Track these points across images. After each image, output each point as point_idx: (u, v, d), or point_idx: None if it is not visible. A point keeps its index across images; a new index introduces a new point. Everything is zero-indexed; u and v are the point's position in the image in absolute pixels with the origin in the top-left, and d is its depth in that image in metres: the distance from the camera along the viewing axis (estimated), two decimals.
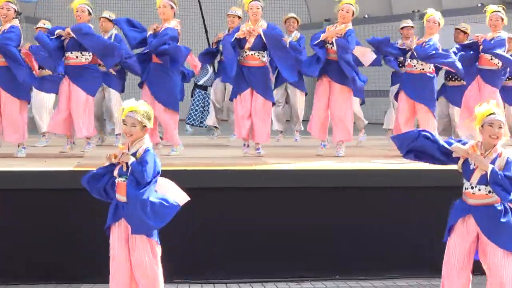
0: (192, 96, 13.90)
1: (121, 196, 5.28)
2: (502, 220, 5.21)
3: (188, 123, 13.75)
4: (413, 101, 8.89)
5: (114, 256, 5.34)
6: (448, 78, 10.19)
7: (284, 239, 7.25)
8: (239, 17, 10.38)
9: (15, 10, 8.43)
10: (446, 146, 5.34)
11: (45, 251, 6.95)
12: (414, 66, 8.82)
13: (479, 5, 16.17)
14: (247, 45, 8.54)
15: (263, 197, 7.25)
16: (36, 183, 7.00)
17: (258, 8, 8.57)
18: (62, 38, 8.55)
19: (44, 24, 10.21)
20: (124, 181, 5.25)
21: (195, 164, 7.71)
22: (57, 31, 8.56)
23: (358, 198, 7.35)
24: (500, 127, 5.20)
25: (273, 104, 8.93)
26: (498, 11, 9.19)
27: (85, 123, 8.64)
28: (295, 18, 10.91)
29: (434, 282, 6.99)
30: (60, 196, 6.91)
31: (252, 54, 8.57)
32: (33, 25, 14.69)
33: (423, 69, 8.80)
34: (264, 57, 8.65)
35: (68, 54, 8.58)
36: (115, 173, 5.29)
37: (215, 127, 11.47)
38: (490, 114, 5.22)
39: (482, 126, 5.23)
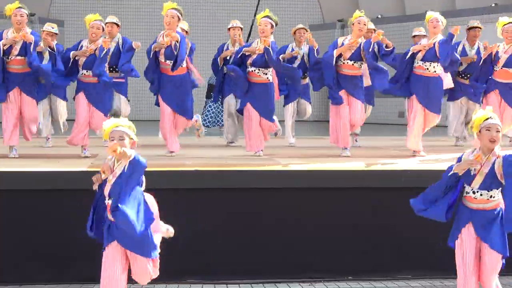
0: (207, 98, 13.87)
1: (111, 215, 5.08)
2: (498, 224, 5.30)
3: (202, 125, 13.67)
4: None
5: (108, 276, 5.13)
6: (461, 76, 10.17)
7: (297, 239, 7.25)
8: (241, 28, 10.45)
9: (27, 15, 8.53)
10: (450, 179, 5.38)
11: (58, 250, 6.98)
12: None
13: (493, 5, 16.14)
14: (249, 61, 8.76)
15: (274, 198, 7.25)
16: (50, 183, 7.03)
17: (266, 25, 8.67)
18: (77, 58, 8.61)
19: (52, 28, 10.11)
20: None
21: (207, 165, 7.72)
22: (73, 53, 8.61)
23: (372, 198, 7.34)
24: (498, 131, 5.26)
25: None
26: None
27: None
28: (304, 29, 10.75)
29: (447, 282, 6.99)
30: (75, 195, 6.93)
31: (252, 71, 8.78)
32: None
33: None
34: (266, 74, 8.77)
35: (84, 72, 8.59)
36: (106, 193, 5.10)
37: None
38: (487, 119, 5.28)
39: (479, 131, 5.27)
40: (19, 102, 8.54)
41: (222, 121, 13.00)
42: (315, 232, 7.26)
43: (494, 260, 5.32)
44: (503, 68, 9.38)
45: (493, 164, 5.26)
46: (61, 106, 10.29)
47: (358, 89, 8.86)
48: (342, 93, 8.79)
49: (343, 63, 8.80)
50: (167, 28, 8.61)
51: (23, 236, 6.98)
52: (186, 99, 8.76)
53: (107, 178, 5.10)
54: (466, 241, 5.36)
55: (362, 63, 8.88)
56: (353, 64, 8.82)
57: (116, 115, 10.20)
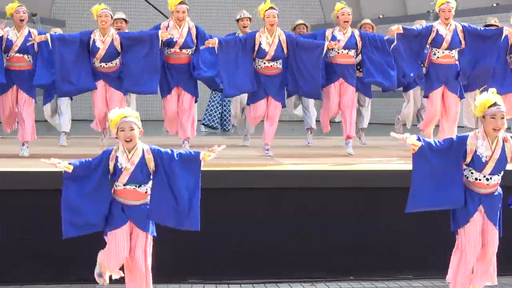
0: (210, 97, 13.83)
1: (128, 200, 5.37)
2: (500, 207, 5.46)
3: (203, 124, 13.62)
4: None
5: (118, 252, 5.41)
6: None
7: (298, 239, 7.25)
8: (250, 19, 10.42)
9: (27, 13, 8.67)
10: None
11: (58, 250, 6.97)
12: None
13: (494, 5, 16.11)
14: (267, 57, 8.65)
15: (275, 198, 7.25)
16: (50, 183, 7.01)
17: (274, 17, 8.63)
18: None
19: (55, 32, 10.14)
20: (134, 188, 5.34)
21: (208, 165, 7.69)
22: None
23: (372, 198, 7.34)
24: (502, 118, 5.25)
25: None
26: None
27: None
28: (304, 24, 10.74)
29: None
30: None
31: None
32: (49, 26, 14.79)
33: None
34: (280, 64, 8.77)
35: (103, 64, 8.60)
36: (122, 180, 5.34)
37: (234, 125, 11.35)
38: (491, 105, 5.25)
39: (483, 116, 5.26)
40: (15, 99, 8.60)
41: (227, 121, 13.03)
42: (316, 232, 7.26)
43: (496, 239, 5.48)
44: None
45: (503, 148, 5.28)
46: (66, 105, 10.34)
47: (352, 76, 9.04)
48: (338, 81, 8.95)
49: (338, 52, 8.91)
50: (178, 23, 8.70)
51: (23, 236, 6.98)
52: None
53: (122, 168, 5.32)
54: (476, 225, 5.41)
55: (356, 51, 9.02)
56: (347, 53, 8.97)
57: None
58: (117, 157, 5.37)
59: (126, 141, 5.31)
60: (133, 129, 5.28)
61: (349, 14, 8.95)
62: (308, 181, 7.33)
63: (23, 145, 8.72)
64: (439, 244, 7.09)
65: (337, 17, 9.00)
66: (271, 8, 8.64)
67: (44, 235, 6.97)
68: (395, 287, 7.12)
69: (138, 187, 5.39)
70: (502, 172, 5.44)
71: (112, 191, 5.45)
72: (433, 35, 8.45)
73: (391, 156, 9.00)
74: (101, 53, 8.53)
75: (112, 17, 8.80)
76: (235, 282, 7.12)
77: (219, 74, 8.71)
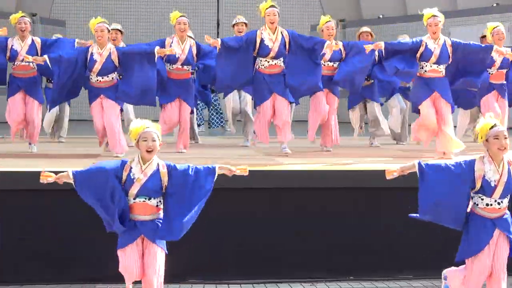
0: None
1: (140, 216, 5.35)
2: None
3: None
4: None
5: (130, 268, 5.36)
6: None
7: (298, 239, 7.24)
8: (246, 24, 10.47)
9: (30, 23, 9.10)
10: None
11: (58, 250, 6.98)
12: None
13: (494, 5, 16.11)
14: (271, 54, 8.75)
15: (275, 198, 7.25)
16: (51, 183, 7.00)
17: (275, 15, 8.69)
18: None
19: (56, 37, 10.25)
20: (144, 200, 5.33)
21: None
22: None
23: (372, 198, 7.34)
24: (506, 137, 5.27)
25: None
26: None
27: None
28: (369, 33, 10.53)
29: None
30: (76, 195, 6.89)
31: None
32: (49, 26, 14.81)
33: None
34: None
35: (99, 78, 8.57)
36: (133, 192, 5.32)
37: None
38: (492, 127, 5.28)
39: (487, 140, 5.26)
40: (23, 105, 8.93)
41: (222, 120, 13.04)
42: (316, 232, 7.25)
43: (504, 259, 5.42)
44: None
45: (509, 171, 5.29)
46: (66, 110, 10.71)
47: (335, 86, 9.39)
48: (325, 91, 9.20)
49: (324, 65, 9.14)
50: (180, 34, 8.93)
51: (23, 236, 6.97)
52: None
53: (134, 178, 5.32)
54: (487, 256, 5.37)
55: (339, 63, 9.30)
56: (333, 65, 9.29)
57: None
58: (131, 167, 5.35)
59: (147, 151, 5.31)
60: (155, 140, 5.30)
61: (333, 29, 9.18)
62: (308, 181, 7.33)
63: (30, 143, 9.12)
64: (439, 244, 7.10)
65: (322, 30, 9.24)
66: (272, 6, 8.72)
67: (44, 235, 6.97)
68: (395, 287, 7.12)
69: (148, 199, 5.37)
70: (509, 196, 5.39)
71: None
72: (422, 49, 8.44)
73: (391, 156, 9.00)
74: (97, 66, 8.51)
75: (109, 30, 8.80)
76: (235, 282, 7.12)
77: (217, 71, 8.85)
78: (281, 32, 8.71)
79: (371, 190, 7.32)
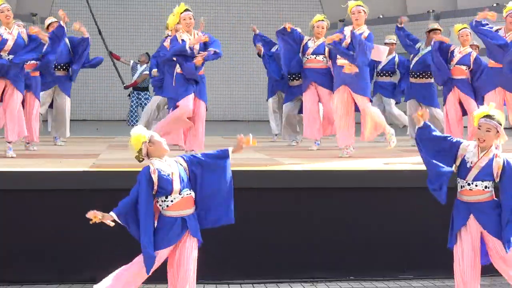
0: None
1: (185, 210, 5.30)
2: (498, 215, 5.35)
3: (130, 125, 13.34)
4: None
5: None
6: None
7: (298, 239, 7.24)
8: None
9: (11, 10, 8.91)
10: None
11: (58, 250, 6.98)
12: None
13: (494, 4, 16.11)
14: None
15: (275, 198, 7.25)
16: (51, 183, 7.03)
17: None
18: None
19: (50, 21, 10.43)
20: (190, 194, 5.29)
21: None
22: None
23: (372, 198, 7.34)
24: (488, 130, 5.28)
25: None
26: None
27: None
28: (439, 29, 10.81)
29: (449, 282, 6.97)
30: (76, 195, 6.92)
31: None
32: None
33: None
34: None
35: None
36: (177, 187, 5.22)
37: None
38: (483, 116, 5.34)
39: (478, 128, 5.32)
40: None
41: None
42: (317, 232, 7.26)
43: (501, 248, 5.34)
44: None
45: (491, 161, 5.30)
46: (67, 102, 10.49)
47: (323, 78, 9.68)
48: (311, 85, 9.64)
49: (307, 58, 9.67)
50: (186, 29, 8.48)
51: (23, 236, 6.97)
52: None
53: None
54: (465, 245, 5.38)
55: (324, 57, 9.63)
56: (315, 58, 9.69)
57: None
58: (157, 169, 5.22)
59: (161, 153, 5.27)
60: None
61: (323, 28, 9.72)
62: (308, 181, 7.33)
63: (28, 143, 9.31)
64: (439, 244, 7.09)
65: (313, 27, 9.70)
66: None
67: (44, 235, 6.97)
68: (395, 287, 7.12)
69: (190, 190, 5.32)
70: (490, 183, 5.35)
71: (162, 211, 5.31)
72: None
73: (391, 156, 9.00)
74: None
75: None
76: (235, 282, 7.12)
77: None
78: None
79: (371, 190, 7.33)
